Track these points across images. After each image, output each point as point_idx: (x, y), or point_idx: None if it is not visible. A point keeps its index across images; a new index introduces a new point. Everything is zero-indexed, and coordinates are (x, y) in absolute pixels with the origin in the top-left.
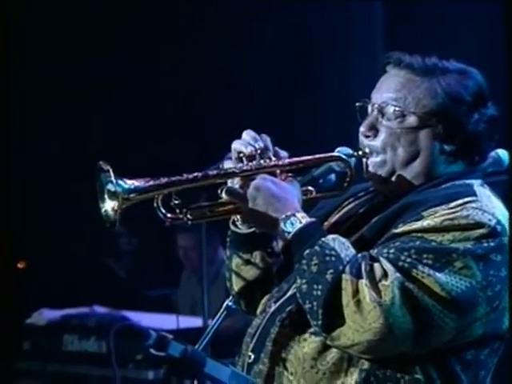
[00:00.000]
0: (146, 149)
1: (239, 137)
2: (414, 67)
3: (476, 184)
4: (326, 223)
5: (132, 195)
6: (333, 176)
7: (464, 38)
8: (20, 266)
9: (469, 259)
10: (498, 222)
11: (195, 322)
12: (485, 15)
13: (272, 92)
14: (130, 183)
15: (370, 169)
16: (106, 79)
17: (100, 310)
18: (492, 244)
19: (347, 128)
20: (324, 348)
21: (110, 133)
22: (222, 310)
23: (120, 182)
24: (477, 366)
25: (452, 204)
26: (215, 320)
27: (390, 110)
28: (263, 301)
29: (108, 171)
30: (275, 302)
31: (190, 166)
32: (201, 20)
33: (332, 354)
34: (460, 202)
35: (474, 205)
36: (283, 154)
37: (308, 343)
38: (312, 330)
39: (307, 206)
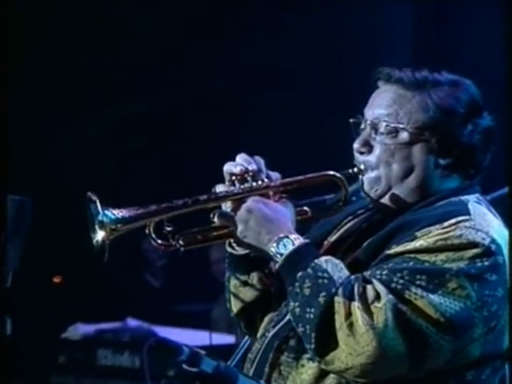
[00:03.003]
0: (148, 149)
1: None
2: (404, 82)
3: (471, 201)
4: (325, 242)
5: (119, 225)
6: None
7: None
8: (56, 280)
9: (462, 279)
10: (493, 241)
11: (228, 339)
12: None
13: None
14: (117, 213)
15: (366, 185)
16: (107, 82)
17: (133, 323)
18: (486, 263)
19: None
20: (322, 374)
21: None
22: None
23: (107, 212)
24: None
25: (445, 223)
26: (247, 337)
27: (383, 125)
28: (263, 324)
29: (95, 202)
30: (274, 327)
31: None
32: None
33: (329, 380)
34: (453, 221)
35: (467, 224)
36: (275, 175)
37: (306, 369)
38: (309, 355)
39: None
